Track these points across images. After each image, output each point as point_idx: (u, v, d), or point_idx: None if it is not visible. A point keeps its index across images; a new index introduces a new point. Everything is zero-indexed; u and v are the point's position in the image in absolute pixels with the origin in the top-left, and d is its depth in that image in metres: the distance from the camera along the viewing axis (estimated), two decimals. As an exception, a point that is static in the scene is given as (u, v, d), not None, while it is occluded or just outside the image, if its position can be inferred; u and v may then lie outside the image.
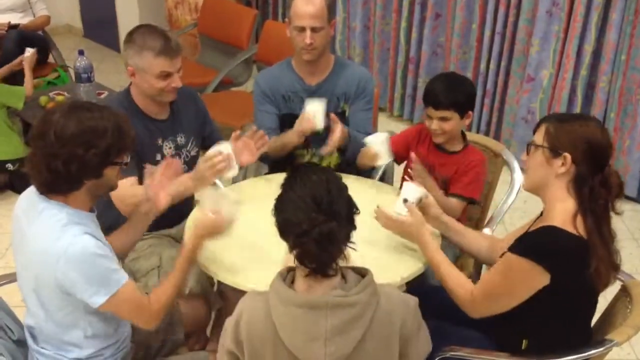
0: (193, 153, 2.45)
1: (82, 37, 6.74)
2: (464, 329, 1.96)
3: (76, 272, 1.63)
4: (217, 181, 2.46)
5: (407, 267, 1.94)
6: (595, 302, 1.82)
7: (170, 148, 2.35)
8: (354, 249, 1.49)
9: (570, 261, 1.67)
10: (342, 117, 2.59)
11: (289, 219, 1.43)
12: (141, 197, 2.01)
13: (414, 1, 4.56)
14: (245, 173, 2.84)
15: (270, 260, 1.77)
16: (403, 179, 2.38)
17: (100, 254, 1.65)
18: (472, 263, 2.43)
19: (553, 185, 1.75)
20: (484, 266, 2.34)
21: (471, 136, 2.64)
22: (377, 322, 1.45)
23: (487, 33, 4.19)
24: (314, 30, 2.43)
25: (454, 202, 2.34)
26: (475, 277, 2.40)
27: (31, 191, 1.73)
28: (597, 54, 3.81)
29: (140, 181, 2.18)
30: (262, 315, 1.46)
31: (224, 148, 2.18)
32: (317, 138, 2.61)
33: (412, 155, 2.26)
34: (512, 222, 3.39)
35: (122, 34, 5.94)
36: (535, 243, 1.70)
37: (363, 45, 5.01)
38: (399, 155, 2.50)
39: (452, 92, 2.29)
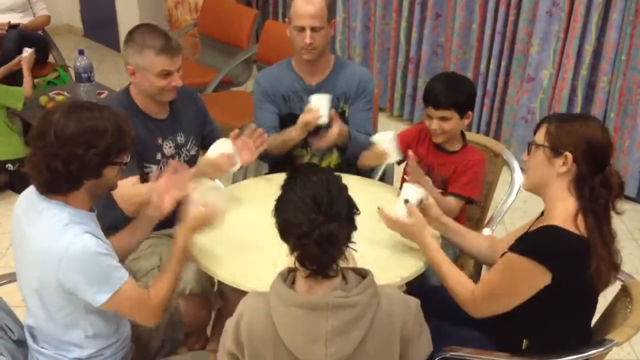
0: (193, 152, 2.45)
1: (82, 37, 6.75)
2: (464, 329, 1.96)
3: (78, 272, 1.63)
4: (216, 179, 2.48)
5: (408, 267, 1.94)
6: (596, 302, 1.82)
7: (170, 147, 2.35)
8: (354, 249, 1.49)
9: (571, 261, 1.67)
10: (342, 117, 2.59)
11: (289, 220, 1.43)
12: (145, 196, 2.01)
13: (414, 1, 4.56)
14: (245, 173, 2.84)
15: (270, 260, 1.77)
16: (403, 179, 2.38)
17: (101, 252, 1.65)
18: (472, 263, 2.43)
19: (554, 184, 1.75)
20: (484, 266, 2.34)
21: (471, 136, 2.64)
22: (378, 323, 1.44)
23: (487, 33, 4.19)
24: (313, 30, 2.43)
25: (451, 201, 2.34)
26: (475, 277, 2.40)
27: (31, 191, 1.73)
28: (597, 54, 3.81)
29: (142, 180, 2.19)
30: (263, 316, 1.45)
31: (225, 147, 2.18)
32: (316, 138, 2.61)
33: (410, 153, 2.26)
34: (512, 222, 3.39)
35: (122, 33, 5.94)
36: (537, 242, 1.70)
37: (363, 45, 5.01)
38: None
39: (452, 92, 2.29)
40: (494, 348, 1.88)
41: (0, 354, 1.75)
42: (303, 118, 2.42)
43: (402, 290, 1.98)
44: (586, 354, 1.74)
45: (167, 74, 2.20)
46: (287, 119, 2.58)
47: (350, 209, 1.46)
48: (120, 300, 1.69)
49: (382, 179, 2.66)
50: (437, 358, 1.79)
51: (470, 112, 2.34)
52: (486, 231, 2.50)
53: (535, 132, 1.83)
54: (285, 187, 1.48)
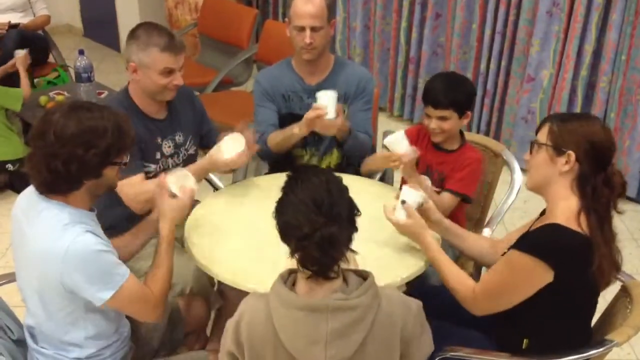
0: (191, 151, 2.45)
1: (82, 37, 6.75)
2: (464, 329, 1.96)
3: (79, 271, 1.63)
4: (212, 175, 2.50)
5: (408, 267, 1.94)
6: (596, 302, 1.83)
7: (169, 147, 2.36)
8: (355, 251, 1.48)
9: (574, 258, 1.67)
10: (342, 117, 2.58)
11: (289, 222, 1.42)
12: (152, 193, 2.01)
13: (414, 1, 4.56)
14: (245, 173, 2.84)
15: (270, 260, 1.77)
16: (403, 180, 2.38)
17: (102, 250, 1.65)
18: (472, 264, 2.43)
19: (556, 183, 1.76)
20: (484, 267, 2.34)
21: (471, 136, 2.64)
22: (378, 325, 1.44)
23: (488, 33, 4.19)
24: (313, 29, 2.43)
25: (446, 197, 2.33)
26: (475, 277, 2.39)
27: (30, 191, 1.73)
28: (597, 54, 3.81)
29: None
30: (263, 317, 1.45)
31: (239, 145, 2.20)
32: (315, 139, 2.61)
33: (410, 148, 2.24)
34: (512, 222, 3.39)
35: (122, 33, 5.96)
36: (540, 240, 1.70)
37: (363, 45, 5.01)
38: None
39: (452, 92, 2.29)
40: (494, 348, 1.88)
41: (0, 354, 1.75)
42: (309, 114, 2.37)
43: (402, 291, 1.98)
44: (586, 354, 1.74)
45: (169, 72, 2.21)
46: (287, 119, 2.58)
47: (351, 211, 1.46)
48: (122, 297, 1.69)
49: (382, 179, 2.67)
50: (437, 358, 1.79)
51: (469, 112, 2.34)
52: (486, 231, 2.50)
53: (537, 132, 1.83)
54: (286, 189, 1.48)
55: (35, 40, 4.58)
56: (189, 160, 2.42)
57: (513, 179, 2.54)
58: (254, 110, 2.65)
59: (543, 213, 1.90)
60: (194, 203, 2.40)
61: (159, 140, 2.33)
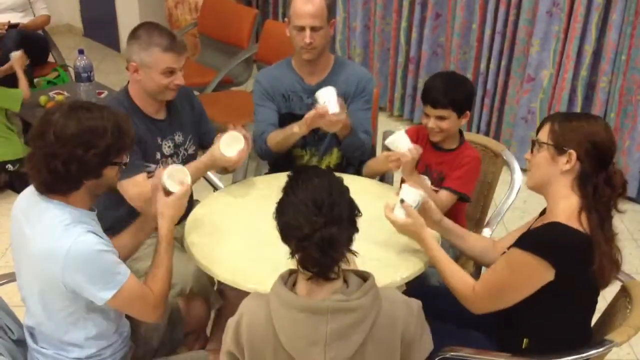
0: (191, 151, 2.45)
1: (82, 37, 6.75)
2: (464, 329, 1.96)
3: (81, 271, 1.63)
4: (210, 173, 2.50)
5: (408, 267, 1.94)
6: (596, 301, 1.83)
7: (169, 147, 2.36)
8: (355, 253, 1.48)
9: (575, 257, 1.68)
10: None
11: (289, 223, 1.42)
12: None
13: (414, 1, 4.56)
14: (245, 173, 2.84)
15: (270, 260, 1.77)
16: (402, 180, 2.38)
17: (103, 250, 1.65)
18: (472, 263, 2.43)
19: (557, 182, 1.76)
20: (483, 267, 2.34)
21: (471, 136, 2.64)
22: (379, 326, 1.44)
23: (487, 33, 4.19)
24: (313, 29, 2.43)
25: (444, 195, 2.32)
26: (475, 276, 2.39)
27: (30, 191, 1.73)
28: (597, 55, 3.81)
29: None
30: (263, 318, 1.45)
31: (239, 143, 2.21)
32: (315, 139, 2.61)
33: (411, 146, 2.23)
34: (512, 222, 3.39)
35: (122, 33, 5.96)
36: (541, 238, 1.71)
37: (363, 45, 5.01)
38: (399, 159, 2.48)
39: (451, 92, 2.29)
40: (494, 348, 1.88)
41: (0, 354, 1.75)
42: (310, 113, 2.34)
43: (402, 291, 1.98)
44: (586, 354, 1.74)
45: (171, 72, 2.21)
46: (286, 119, 2.58)
47: (351, 211, 1.45)
48: (124, 297, 1.69)
49: (382, 179, 2.66)
50: (437, 358, 1.79)
51: (468, 112, 2.34)
52: (486, 231, 2.50)
53: (538, 131, 1.83)
54: (287, 190, 1.47)
55: (35, 40, 4.58)
56: (188, 160, 2.42)
57: (513, 179, 2.54)
58: (254, 110, 2.65)
59: (543, 213, 1.90)
60: (194, 203, 2.40)
61: (159, 140, 2.33)
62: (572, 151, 1.72)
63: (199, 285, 2.25)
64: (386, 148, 2.30)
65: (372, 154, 2.76)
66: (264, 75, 2.66)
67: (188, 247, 2.03)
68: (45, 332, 1.77)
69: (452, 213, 2.30)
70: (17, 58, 3.99)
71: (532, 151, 1.83)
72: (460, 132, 2.43)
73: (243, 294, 1.60)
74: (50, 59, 4.79)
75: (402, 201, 1.94)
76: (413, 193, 1.96)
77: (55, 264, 1.62)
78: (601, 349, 1.73)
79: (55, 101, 3.86)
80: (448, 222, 2.07)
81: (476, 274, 2.39)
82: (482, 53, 4.28)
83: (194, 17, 5.22)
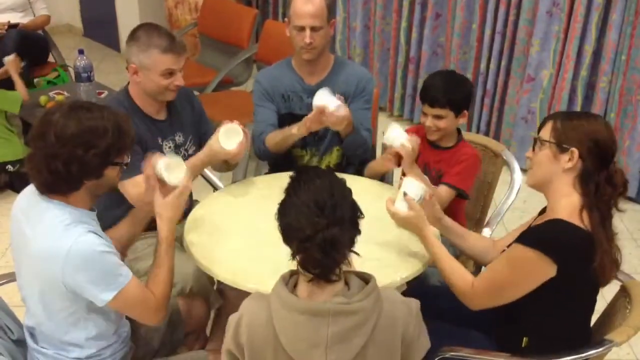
0: (191, 152, 2.45)
1: (82, 37, 6.75)
2: (464, 329, 1.96)
3: (82, 271, 1.62)
4: (207, 171, 2.49)
5: (408, 267, 1.94)
6: (595, 300, 1.83)
7: (170, 147, 2.36)
8: (357, 253, 1.48)
9: (577, 254, 1.68)
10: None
11: (291, 224, 1.41)
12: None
13: (414, 1, 4.56)
14: (245, 172, 2.85)
15: (270, 260, 1.77)
16: (403, 173, 2.38)
17: (105, 251, 1.65)
18: (472, 262, 2.43)
19: (558, 180, 1.76)
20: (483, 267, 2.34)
21: (471, 136, 2.64)
22: (380, 329, 1.43)
23: (487, 33, 4.19)
24: (313, 29, 2.43)
25: (442, 190, 2.32)
26: (475, 274, 2.40)
27: (30, 191, 1.73)
28: (597, 54, 3.81)
29: None
30: (264, 319, 1.44)
31: (238, 136, 2.19)
32: (315, 139, 2.61)
33: (412, 138, 2.24)
34: (512, 222, 3.38)
35: (122, 33, 5.96)
36: (543, 234, 1.71)
37: (363, 45, 5.01)
38: (398, 155, 2.49)
39: (449, 92, 2.29)
40: (494, 348, 1.88)
41: (0, 354, 1.75)
42: (311, 115, 2.33)
43: (403, 290, 1.98)
44: (585, 354, 1.74)
45: (170, 73, 2.21)
46: (286, 119, 2.58)
47: (354, 213, 1.45)
48: (124, 298, 1.69)
49: (382, 179, 2.66)
50: (437, 358, 1.79)
51: (466, 112, 2.34)
52: (486, 231, 2.50)
53: (539, 129, 1.83)
54: (289, 191, 1.47)
55: (35, 40, 4.58)
56: (188, 160, 2.42)
57: (513, 179, 2.54)
58: (253, 110, 2.65)
59: (542, 212, 1.90)
60: (194, 203, 2.40)
61: (160, 140, 2.33)
62: (574, 149, 1.73)
63: (199, 285, 2.24)
64: (386, 147, 2.30)
65: (373, 153, 2.76)
66: (263, 76, 2.66)
67: (187, 246, 2.03)
68: (45, 332, 1.77)
69: (451, 212, 2.30)
70: (10, 62, 3.96)
71: (533, 149, 1.83)
72: (458, 130, 2.43)
73: (243, 294, 1.60)
74: (50, 59, 4.79)
75: (404, 194, 1.93)
76: (416, 186, 1.93)
77: (56, 264, 1.62)
78: (601, 349, 1.73)
79: (55, 101, 3.86)
80: (448, 221, 2.07)
81: (476, 274, 2.39)
82: (482, 53, 4.28)
83: (194, 17, 5.22)
